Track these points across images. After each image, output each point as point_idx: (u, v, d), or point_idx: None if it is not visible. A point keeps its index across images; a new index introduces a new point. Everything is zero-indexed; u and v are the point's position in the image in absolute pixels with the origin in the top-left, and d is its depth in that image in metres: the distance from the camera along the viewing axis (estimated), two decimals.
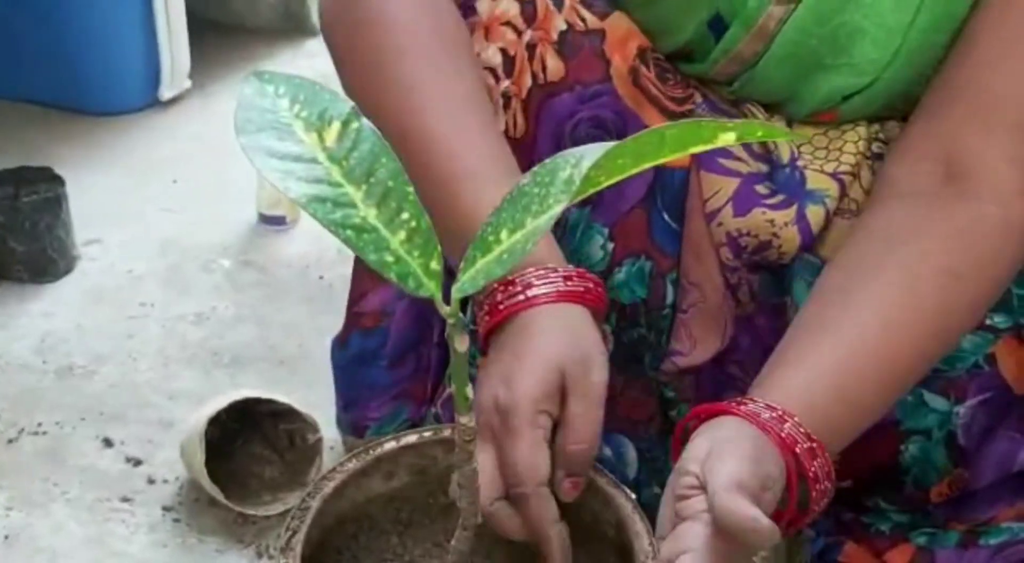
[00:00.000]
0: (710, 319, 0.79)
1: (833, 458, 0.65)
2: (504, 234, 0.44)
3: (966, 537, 0.79)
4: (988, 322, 0.76)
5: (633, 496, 0.65)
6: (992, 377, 0.78)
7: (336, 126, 0.46)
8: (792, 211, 0.76)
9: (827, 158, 0.78)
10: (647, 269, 0.78)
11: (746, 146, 0.78)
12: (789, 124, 0.81)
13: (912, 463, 0.82)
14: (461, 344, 0.47)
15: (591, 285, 0.67)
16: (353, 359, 0.94)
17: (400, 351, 0.88)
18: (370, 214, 0.44)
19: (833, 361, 0.66)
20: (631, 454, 0.85)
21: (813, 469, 0.61)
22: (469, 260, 0.45)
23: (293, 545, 0.61)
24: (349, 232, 0.44)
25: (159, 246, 1.49)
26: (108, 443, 1.12)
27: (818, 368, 0.66)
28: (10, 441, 1.12)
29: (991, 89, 0.70)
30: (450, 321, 0.46)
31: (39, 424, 1.15)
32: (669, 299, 0.79)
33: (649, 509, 0.63)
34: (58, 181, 1.41)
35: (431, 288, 0.45)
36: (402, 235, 0.45)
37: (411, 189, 0.45)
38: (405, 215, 0.45)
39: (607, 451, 0.85)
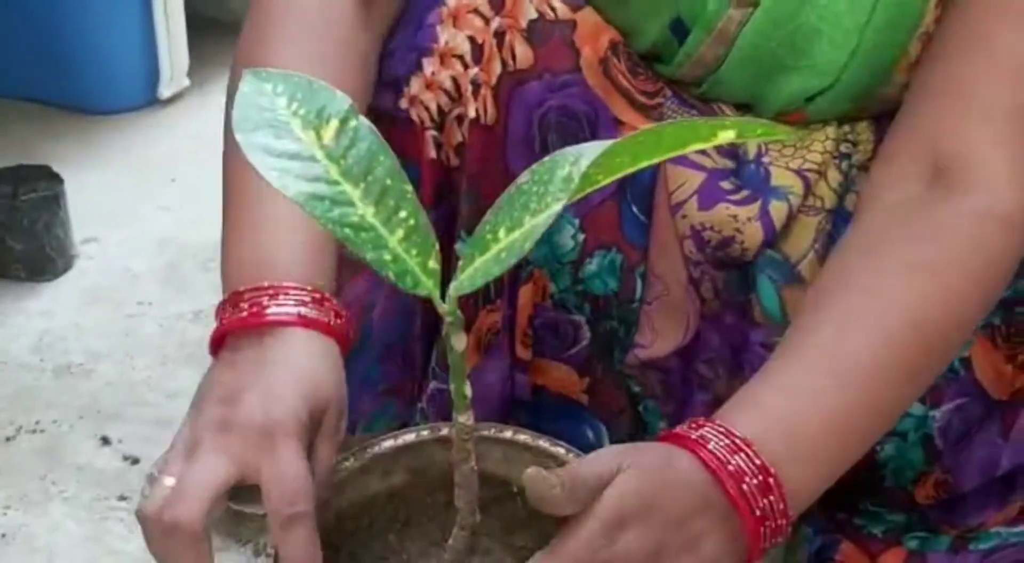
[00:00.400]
0: (673, 312, 0.79)
1: (826, 487, 0.63)
2: (502, 232, 0.44)
3: (957, 542, 0.79)
4: None
5: (575, 452, 0.64)
6: (967, 383, 0.78)
7: (334, 124, 0.45)
8: (756, 207, 0.76)
9: (793, 155, 0.78)
10: (618, 262, 0.78)
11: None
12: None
13: (887, 460, 0.82)
14: (459, 343, 0.47)
15: (336, 317, 0.63)
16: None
17: (386, 344, 0.88)
18: (368, 212, 0.44)
19: (798, 381, 0.63)
20: (606, 442, 0.85)
21: (762, 504, 0.58)
22: (467, 258, 0.45)
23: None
24: (347, 230, 0.44)
25: (157, 244, 1.49)
26: (106, 441, 1.12)
27: (784, 392, 0.63)
28: (8, 439, 1.12)
29: (968, 81, 0.69)
30: (448, 320, 0.45)
31: (36, 422, 1.14)
32: (638, 293, 0.79)
33: None
34: (56, 179, 1.41)
35: (429, 286, 0.44)
36: (400, 233, 0.44)
37: (409, 187, 0.45)
38: (403, 213, 0.45)
39: (590, 435, 0.85)
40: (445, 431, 0.67)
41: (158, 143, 1.78)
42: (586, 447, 0.68)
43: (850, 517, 0.86)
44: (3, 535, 1.00)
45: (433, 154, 0.78)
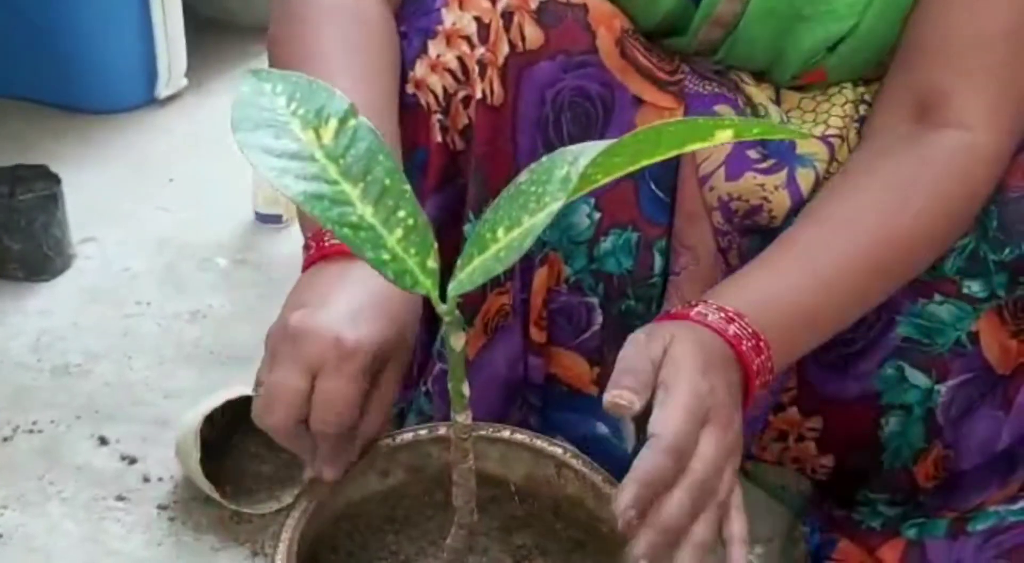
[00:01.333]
0: (701, 281, 0.81)
1: (787, 365, 0.71)
2: (501, 231, 0.44)
3: (955, 525, 0.79)
4: (965, 291, 0.77)
5: (573, 451, 0.67)
6: (975, 358, 0.79)
7: (333, 124, 0.45)
8: (783, 175, 0.78)
9: (815, 121, 0.80)
10: (633, 240, 0.79)
11: (738, 111, 0.79)
12: (777, 93, 0.82)
13: (891, 438, 0.82)
14: (457, 342, 0.47)
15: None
16: None
17: None
18: (367, 212, 0.44)
19: (782, 272, 0.71)
20: (629, 428, 0.85)
21: (756, 363, 0.66)
22: (466, 257, 0.45)
23: (288, 542, 0.60)
24: (346, 230, 0.44)
25: (155, 244, 1.49)
26: (103, 441, 1.12)
27: (770, 277, 0.71)
28: (5, 439, 1.12)
29: (958, 32, 0.73)
30: (446, 319, 0.46)
31: (34, 422, 1.14)
32: (657, 268, 0.80)
33: None
34: (54, 179, 1.40)
35: (427, 285, 0.45)
36: (399, 233, 0.45)
37: (407, 187, 0.45)
38: (401, 213, 0.45)
39: (603, 428, 0.85)
40: (443, 430, 0.67)
41: (156, 143, 1.78)
42: (597, 440, 0.68)
43: (848, 514, 0.86)
44: (1, 535, 1.00)
45: (439, 138, 0.78)
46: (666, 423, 0.59)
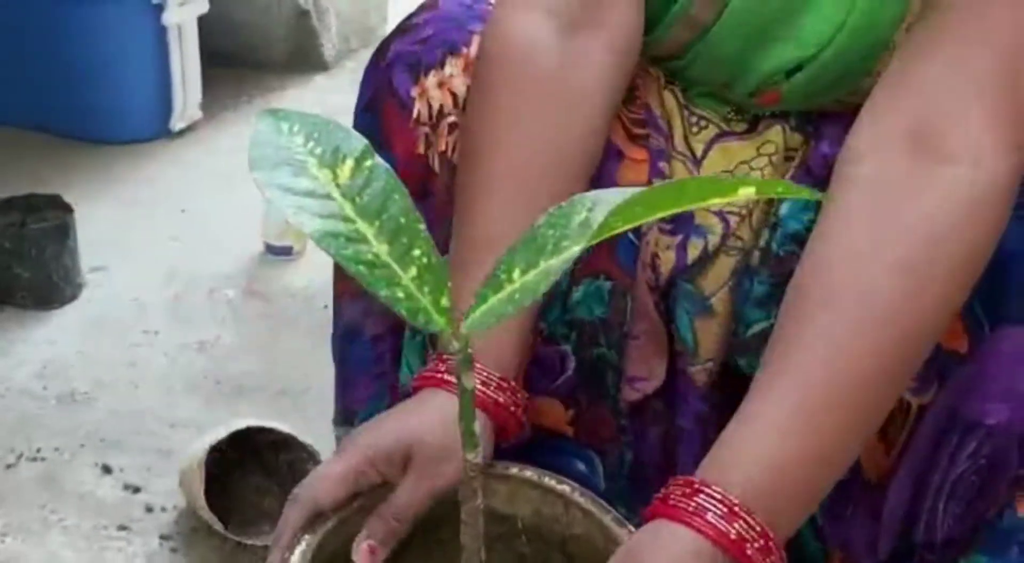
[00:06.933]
0: (656, 342, 0.79)
1: (808, 514, 0.64)
2: (516, 273, 0.44)
3: None
4: None
5: (580, 489, 0.66)
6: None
7: (349, 163, 0.46)
8: (677, 238, 0.77)
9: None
10: (606, 289, 0.78)
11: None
12: (736, 112, 0.80)
13: (793, 541, 0.81)
14: (468, 380, 0.47)
15: (508, 402, 0.69)
16: (345, 335, 0.94)
17: (377, 330, 0.88)
18: (382, 250, 0.45)
19: (784, 418, 0.62)
20: (600, 469, 0.85)
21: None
22: (480, 298, 0.45)
23: None
24: (361, 267, 0.45)
25: (165, 275, 1.49)
26: (107, 470, 1.11)
27: (769, 433, 0.62)
28: (8, 467, 1.11)
29: (960, 53, 0.67)
30: (458, 358, 0.46)
31: (38, 450, 1.14)
32: (628, 317, 0.79)
33: None
34: (66, 209, 1.41)
35: (441, 324, 0.45)
36: (413, 271, 0.45)
37: (422, 226, 0.46)
38: (416, 251, 0.45)
39: (580, 466, 0.84)
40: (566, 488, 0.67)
41: (169, 174, 1.79)
42: (577, 479, 0.67)
43: None
44: None
45: (421, 150, 0.79)
46: None
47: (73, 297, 1.41)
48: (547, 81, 0.73)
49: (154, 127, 1.88)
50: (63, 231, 1.39)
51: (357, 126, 0.83)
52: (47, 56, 1.82)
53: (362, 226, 0.45)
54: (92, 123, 1.85)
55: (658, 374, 0.80)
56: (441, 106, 0.77)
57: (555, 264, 0.43)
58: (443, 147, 0.78)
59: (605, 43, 0.74)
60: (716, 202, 0.43)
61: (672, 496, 0.60)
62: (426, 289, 0.45)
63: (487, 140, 0.73)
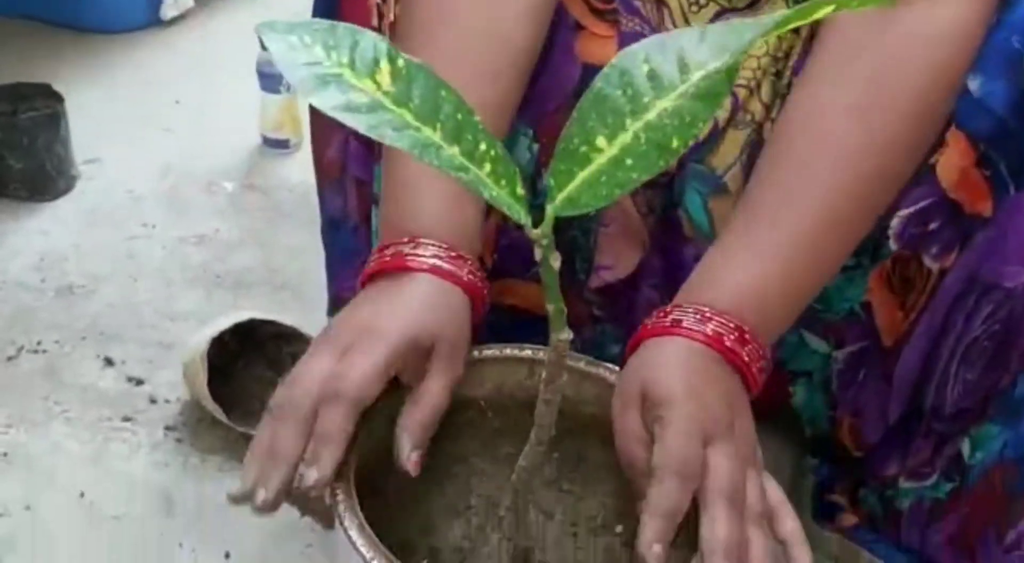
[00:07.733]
0: (630, 234, 0.79)
1: (782, 333, 0.67)
2: (600, 141, 0.42)
3: (887, 504, 0.79)
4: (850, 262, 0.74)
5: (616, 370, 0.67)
6: (868, 327, 0.77)
7: (385, 67, 0.43)
8: None
9: None
10: None
11: None
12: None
13: (803, 408, 0.81)
14: (556, 262, 0.46)
15: (470, 274, 0.67)
16: (329, 223, 0.93)
17: (360, 212, 0.87)
18: (454, 152, 0.43)
19: (749, 246, 0.66)
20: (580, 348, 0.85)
21: (745, 353, 0.63)
22: (560, 175, 0.42)
23: (344, 472, 0.59)
24: (459, 173, 0.43)
25: (160, 167, 1.46)
26: (109, 362, 1.10)
27: (732, 260, 0.66)
28: (9, 359, 1.10)
29: None
30: (543, 242, 0.44)
31: (38, 342, 1.13)
32: None
33: None
34: (56, 98, 1.37)
35: (521, 214, 0.43)
36: (487, 167, 0.43)
37: (477, 118, 0.43)
38: (483, 146, 0.43)
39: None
40: (528, 352, 0.68)
41: (161, 64, 1.75)
42: None
43: None
44: (4, 454, 0.99)
45: (375, 23, 0.77)
46: (667, 453, 0.58)
47: (67, 189, 1.39)
48: None
49: (144, 15, 1.83)
50: (55, 120, 1.35)
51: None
52: None
53: (427, 132, 0.42)
54: (81, 11, 1.80)
55: (625, 265, 0.80)
56: None
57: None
58: (391, 17, 0.76)
59: None
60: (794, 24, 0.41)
61: (649, 322, 0.65)
62: (503, 182, 0.43)
63: (419, 22, 0.71)
